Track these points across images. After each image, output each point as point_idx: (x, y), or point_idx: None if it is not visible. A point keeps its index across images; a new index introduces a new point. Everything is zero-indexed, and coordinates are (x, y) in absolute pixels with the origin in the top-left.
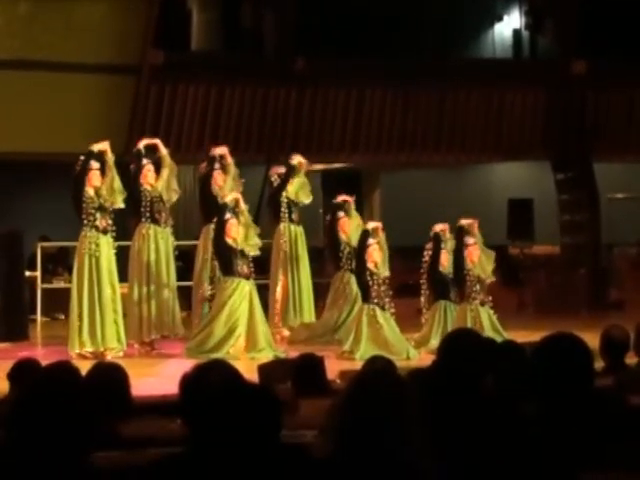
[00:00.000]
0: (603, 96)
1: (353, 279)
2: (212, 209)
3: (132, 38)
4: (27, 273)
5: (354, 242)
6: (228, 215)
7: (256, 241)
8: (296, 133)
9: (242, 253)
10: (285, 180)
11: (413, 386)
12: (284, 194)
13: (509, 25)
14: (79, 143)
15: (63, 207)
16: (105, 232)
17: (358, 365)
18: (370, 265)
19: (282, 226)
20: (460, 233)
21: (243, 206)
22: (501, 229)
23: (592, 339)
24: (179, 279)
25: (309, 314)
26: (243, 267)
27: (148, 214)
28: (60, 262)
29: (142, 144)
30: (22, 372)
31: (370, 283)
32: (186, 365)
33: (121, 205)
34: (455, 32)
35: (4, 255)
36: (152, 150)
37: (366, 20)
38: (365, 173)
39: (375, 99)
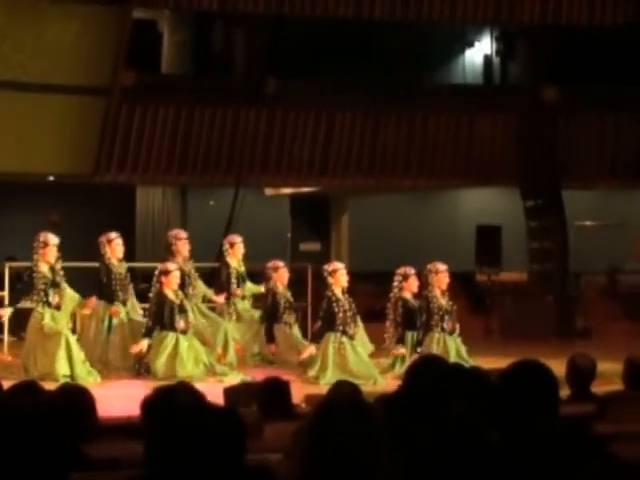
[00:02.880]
0: (574, 122)
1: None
2: None
3: (103, 59)
4: None
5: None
6: (171, 267)
7: None
8: (266, 155)
9: (181, 307)
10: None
11: (379, 410)
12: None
13: (480, 51)
14: (48, 163)
15: (31, 227)
16: (58, 308)
17: (324, 389)
18: (337, 290)
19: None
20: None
21: None
22: (469, 255)
23: (558, 366)
24: (145, 300)
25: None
26: (180, 322)
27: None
28: (27, 283)
29: None
30: None
31: (335, 310)
32: (153, 386)
33: None
34: (426, 57)
35: None
36: None
37: (338, 42)
38: (333, 198)
39: (345, 122)
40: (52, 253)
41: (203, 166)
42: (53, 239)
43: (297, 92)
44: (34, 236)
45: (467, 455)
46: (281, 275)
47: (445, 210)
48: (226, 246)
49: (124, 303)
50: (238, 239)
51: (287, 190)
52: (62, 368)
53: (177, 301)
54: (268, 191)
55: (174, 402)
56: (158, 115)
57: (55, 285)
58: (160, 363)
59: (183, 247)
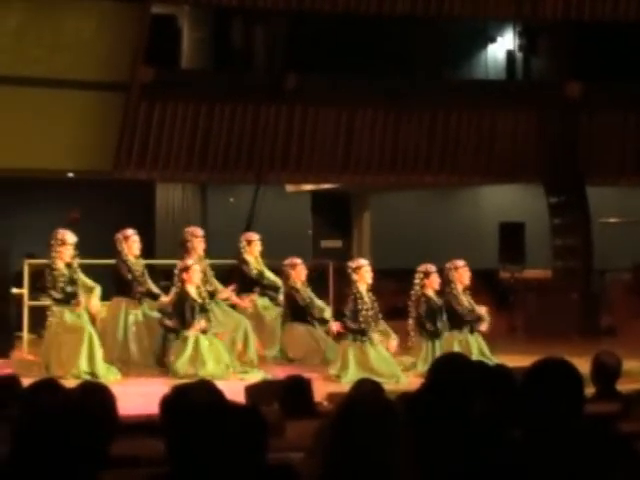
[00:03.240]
0: (597, 119)
1: None
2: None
3: (122, 55)
4: (14, 290)
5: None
6: (190, 262)
7: None
8: (286, 152)
9: (202, 307)
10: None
11: (401, 409)
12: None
13: (502, 46)
14: (66, 160)
15: (49, 224)
16: (77, 306)
17: (346, 388)
18: (362, 287)
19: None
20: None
21: None
22: (492, 253)
23: (583, 365)
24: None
25: None
26: (201, 322)
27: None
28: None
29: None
30: (2, 389)
31: (359, 307)
32: (172, 385)
33: None
34: (448, 52)
35: None
36: None
37: (359, 38)
38: (355, 194)
39: (366, 118)
40: (69, 252)
41: (223, 163)
42: (71, 238)
43: (317, 88)
44: (52, 233)
45: (489, 454)
46: (299, 272)
47: (468, 207)
48: (243, 243)
49: (140, 300)
50: (255, 236)
51: (308, 186)
52: (84, 365)
53: (199, 300)
54: (289, 187)
55: (193, 400)
56: (177, 111)
57: (73, 282)
58: (181, 363)
59: (199, 245)
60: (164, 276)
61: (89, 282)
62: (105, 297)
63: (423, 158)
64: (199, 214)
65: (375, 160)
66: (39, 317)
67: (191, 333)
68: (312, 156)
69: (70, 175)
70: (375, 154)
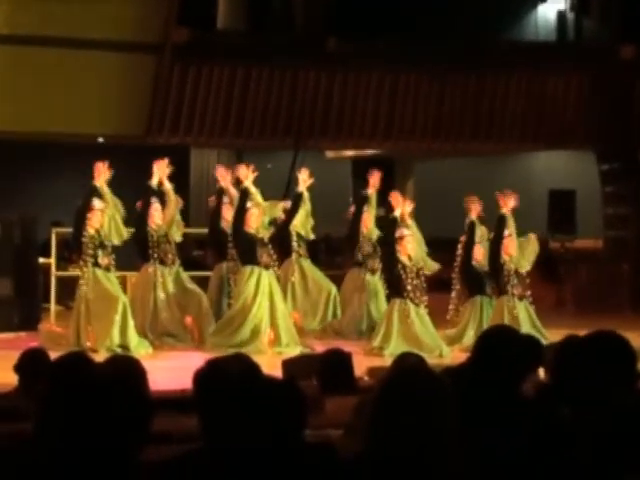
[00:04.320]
0: None
1: (369, 276)
2: (223, 245)
3: (155, 14)
4: (41, 260)
5: (374, 236)
6: (249, 204)
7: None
8: (326, 117)
9: (262, 242)
10: (293, 211)
11: (448, 384)
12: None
13: (553, 6)
14: (96, 125)
15: (78, 191)
16: (107, 270)
17: (387, 362)
18: (403, 258)
19: (293, 258)
20: (500, 223)
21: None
22: (541, 222)
23: (636, 338)
24: (199, 268)
25: None
26: (263, 256)
27: (155, 255)
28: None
29: (154, 180)
30: (29, 363)
31: (403, 277)
32: (206, 357)
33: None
34: (496, 13)
35: (16, 241)
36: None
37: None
38: (398, 161)
39: (410, 83)
40: (97, 217)
41: (260, 129)
42: (98, 204)
43: (359, 51)
44: (79, 201)
45: (538, 432)
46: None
47: (516, 174)
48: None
49: (170, 266)
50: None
51: (349, 153)
52: (116, 337)
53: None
54: (329, 154)
55: (228, 375)
56: (213, 74)
57: (103, 247)
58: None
59: (227, 212)
60: (197, 245)
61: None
62: (132, 265)
63: (469, 124)
64: (235, 181)
65: (419, 126)
66: (67, 288)
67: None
68: (353, 122)
69: (100, 140)
70: (419, 120)
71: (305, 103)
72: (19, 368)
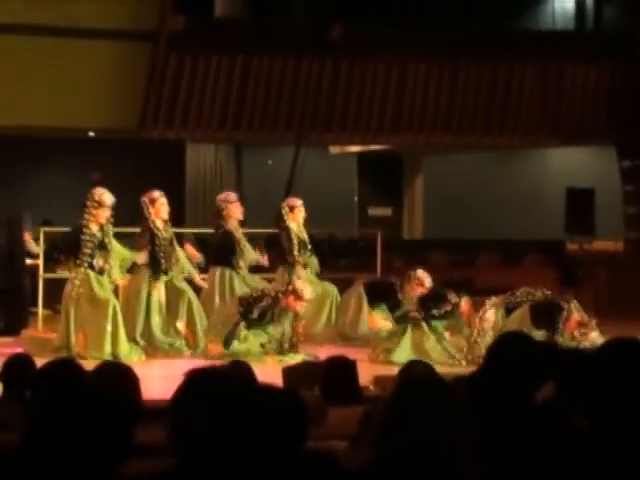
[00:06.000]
0: None
1: None
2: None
3: (150, 1)
4: (28, 261)
5: None
6: None
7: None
8: (330, 110)
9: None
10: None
11: (460, 393)
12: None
13: None
14: (87, 118)
15: (68, 188)
16: (101, 273)
17: (394, 370)
18: None
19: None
20: None
21: None
22: (558, 222)
23: None
24: (201, 270)
25: None
26: None
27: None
28: (64, 249)
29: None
30: (14, 371)
31: None
32: (199, 364)
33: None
34: (511, 0)
35: (3, 241)
36: None
37: None
38: (407, 156)
39: (419, 73)
40: (105, 214)
41: (260, 122)
42: (109, 199)
43: (366, 39)
44: (73, 198)
45: (553, 445)
46: None
47: (531, 171)
48: (285, 209)
49: (166, 272)
50: (298, 202)
51: (354, 148)
52: (108, 347)
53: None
54: (333, 149)
55: (222, 383)
56: (210, 64)
57: (103, 247)
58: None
59: (235, 210)
60: (197, 246)
61: (125, 251)
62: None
63: (482, 117)
64: (233, 178)
65: (429, 119)
66: (55, 291)
67: None
68: (359, 115)
69: (91, 134)
70: (429, 112)
71: (308, 95)
72: (3, 376)
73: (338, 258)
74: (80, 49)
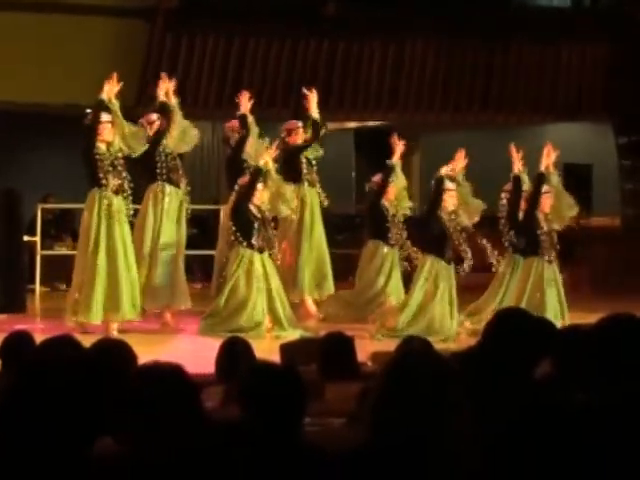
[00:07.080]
0: None
1: (387, 250)
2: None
3: None
4: (26, 238)
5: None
6: (259, 183)
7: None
8: (327, 88)
9: (264, 224)
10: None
11: (458, 369)
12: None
13: None
14: (84, 94)
15: (68, 164)
16: (117, 193)
17: (392, 346)
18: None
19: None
20: (539, 181)
21: (273, 170)
22: None
23: None
24: (194, 247)
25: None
26: (259, 240)
27: (164, 173)
28: (63, 226)
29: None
30: (13, 347)
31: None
32: (198, 342)
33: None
34: None
35: (0, 217)
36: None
37: None
38: (403, 134)
39: (416, 51)
40: (107, 130)
41: (257, 100)
42: (104, 116)
43: (362, 17)
44: (70, 175)
45: (551, 421)
46: None
47: (528, 147)
48: (283, 134)
49: (178, 185)
50: (298, 124)
51: (351, 124)
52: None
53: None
54: (330, 125)
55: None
56: (207, 43)
57: (114, 167)
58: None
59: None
60: (192, 223)
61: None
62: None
63: (479, 94)
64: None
65: (425, 96)
66: (53, 268)
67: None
68: (355, 92)
69: (88, 111)
70: (425, 90)
71: (304, 72)
72: (2, 352)
73: (335, 234)
74: (77, 26)
